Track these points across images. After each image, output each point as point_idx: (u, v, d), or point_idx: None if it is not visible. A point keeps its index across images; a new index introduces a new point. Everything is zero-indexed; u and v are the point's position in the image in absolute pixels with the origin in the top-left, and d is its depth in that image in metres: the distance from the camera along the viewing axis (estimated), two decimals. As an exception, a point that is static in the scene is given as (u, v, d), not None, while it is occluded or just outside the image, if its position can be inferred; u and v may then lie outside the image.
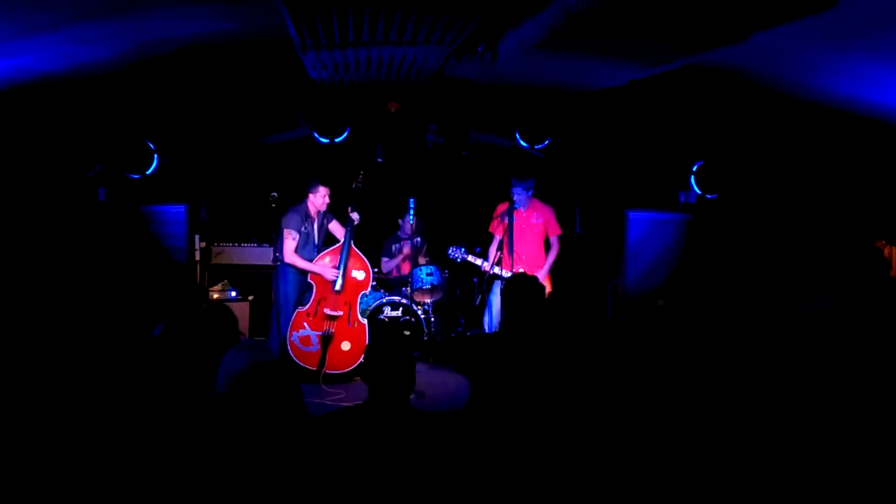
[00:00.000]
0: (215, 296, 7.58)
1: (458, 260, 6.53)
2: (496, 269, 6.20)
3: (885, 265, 5.53)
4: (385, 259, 7.62)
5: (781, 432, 2.76)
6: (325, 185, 6.26)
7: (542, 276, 6.25)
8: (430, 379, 6.24)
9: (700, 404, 3.01)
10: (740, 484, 2.56)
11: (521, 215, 6.31)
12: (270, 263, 6.74)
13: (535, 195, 6.39)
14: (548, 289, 6.35)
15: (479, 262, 6.44)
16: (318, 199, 6.28)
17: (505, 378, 3.24)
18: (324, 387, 6.03)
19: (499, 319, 6.17)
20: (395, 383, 2.62)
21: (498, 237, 6.33)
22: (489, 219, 6.56)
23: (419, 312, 6.96)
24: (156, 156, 6.42)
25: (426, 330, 6.96)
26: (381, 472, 2.41)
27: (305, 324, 6.24)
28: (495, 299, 6.24)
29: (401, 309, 7.00)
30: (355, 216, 6.31)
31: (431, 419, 2.58)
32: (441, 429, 2.55)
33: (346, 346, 6.25)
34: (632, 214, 6.62)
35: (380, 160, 7.31)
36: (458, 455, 2.49)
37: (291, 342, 6.20)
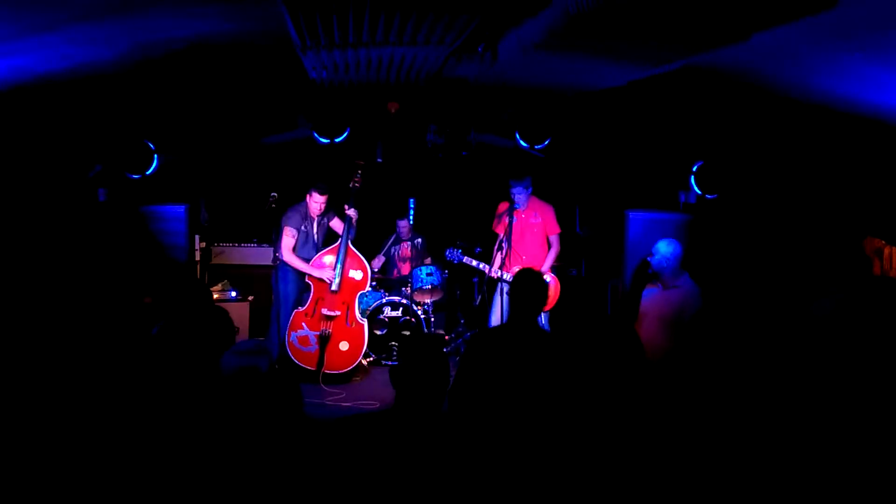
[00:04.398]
0: (215, 296, 7.58)
1: (456, 262, 6.53)
2: (497, 273, 6.17)
3: (871, 264, 5.53)
4: (380, 256, 7.61)
5: (781, 431, 2.76)
6: (321, 193, 6.26)
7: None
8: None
9: (700, 404, 3.01)
10: (742, 485, 2.56)
11: (520, 215, 6.31)
12: (270, 263, 6.74)
13: (535, 195, 6.38)
14: (554, 287, 6.35)
15: (476, 264, 6.43)
16: (312, 205, 6.30)
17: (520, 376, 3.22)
18: (323, 387, 6.03)
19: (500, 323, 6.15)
20: (428, 391, 2.47)
21: (500, 237, 6.33)
22: (489, 218, 6.56)
23: (419, 312, 6.96)
24: (156, 156, 6.42)
25: (426, 330, 6.96)
26: (405, 480, 2.31)
27: (303, 324, 6.24)
28: (497, 303, 6.20)
29: (401, 309, 7.01)
30: (353, 213, 6.31)
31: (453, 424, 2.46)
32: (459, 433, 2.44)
33: (344, 346, 6.25)
34: (632, 214, 6.61)
35: (380, 160, 7.31)
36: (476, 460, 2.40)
37: (290, 342, 6.21)
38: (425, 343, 2.60)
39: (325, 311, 6.24)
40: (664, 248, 4.68)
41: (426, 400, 2.46)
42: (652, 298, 4.69)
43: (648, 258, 4.68)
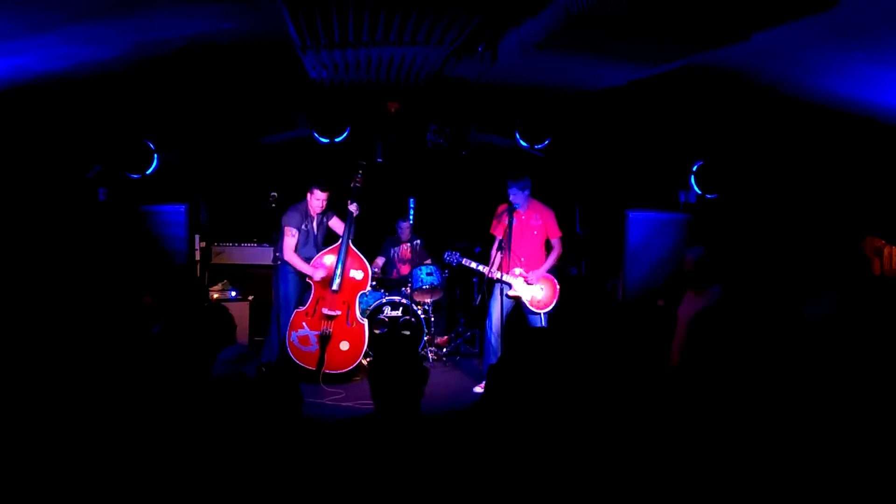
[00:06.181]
0: (215, 296, 7.59)
1: (455, 264, 6.54)
2: (496, 274, 6.16)
3: (870, 264, 5.53)
4: (380, 257, 7.62)
5: (776, 430, 2.76)
6: (322, 190, 6.26)
7: (539, 274, 6.23)
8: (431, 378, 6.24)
9: (700, 403, 3.00)
10: (741, 485, 2.56)
11: (520, 217, 6.30)
12: (270, 263, 6.74)
13: (535, 196, 6.37)
14: (552, 288, 6.34)
15: (475, 265, 6.43)
16: (314, 202, 6.30)
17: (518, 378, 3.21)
18: (324, 386, 6.03)
19: (499, 324, 6.12)
20: (404, 393, 2.45)
21: (499, 238, 6.32)
22: (489, 219, 6.55)
23: (419, 312, 6.96)
24: (156, 155, 6.43)
25: (426, 330, 6.97)
26: (390, 484, 2.31)
27: (304, 323, 6.24)
28: (496, 303, 6.19)
29: (401, 309, 7.01)
30: (354, 208, 6.31)
31: (439, 424, 2.46)
32: (449, 433, 2.44)
33: (344, 345, 6.25)
34: (632, 214, 6.61)
35: (380, 160, 7.32)
36: (467, 461, 2.40)
37: (290, 342, 6.21)
38: (397, 344, 2.57)
39: (325, 311, 6.24)
40: (692, 254, 4.73)
41: (403, 401, 2.44)
42: (684, 304, 4.73)
43: (685, 268, 4.73)
